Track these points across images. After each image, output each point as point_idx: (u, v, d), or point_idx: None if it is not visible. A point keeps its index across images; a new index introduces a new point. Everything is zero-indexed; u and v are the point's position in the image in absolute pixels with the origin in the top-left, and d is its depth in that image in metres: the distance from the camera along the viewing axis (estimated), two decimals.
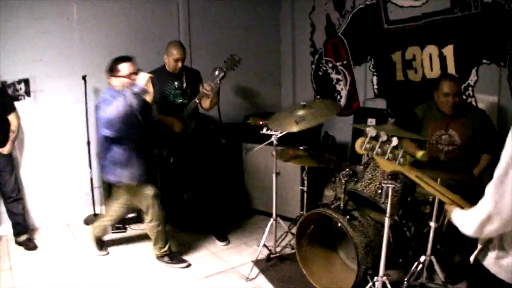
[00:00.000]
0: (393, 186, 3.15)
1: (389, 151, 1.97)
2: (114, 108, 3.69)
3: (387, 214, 3.17)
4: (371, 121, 5.37)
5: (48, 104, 5.14)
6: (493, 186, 1.66)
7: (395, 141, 1.97)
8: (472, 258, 1.92)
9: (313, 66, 6.52)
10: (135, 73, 3.95)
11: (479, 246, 1.89)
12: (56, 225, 5.35)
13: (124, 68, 3.96)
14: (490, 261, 1.83)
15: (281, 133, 4.19)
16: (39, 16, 4.92)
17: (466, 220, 1.80)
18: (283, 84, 7.12)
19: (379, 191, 3.54)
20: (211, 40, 6.20)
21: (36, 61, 4.97)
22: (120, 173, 4.04)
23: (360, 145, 2.04)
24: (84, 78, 5.05)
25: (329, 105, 4.19)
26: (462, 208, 1.89)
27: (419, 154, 3.81)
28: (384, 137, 1.97)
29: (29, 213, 5.21)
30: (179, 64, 4.63)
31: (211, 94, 4.64)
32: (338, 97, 6.18)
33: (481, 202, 1.72)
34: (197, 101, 4.66)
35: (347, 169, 3.87)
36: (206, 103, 4.72)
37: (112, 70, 3.96)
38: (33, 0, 4.88)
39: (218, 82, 4.71)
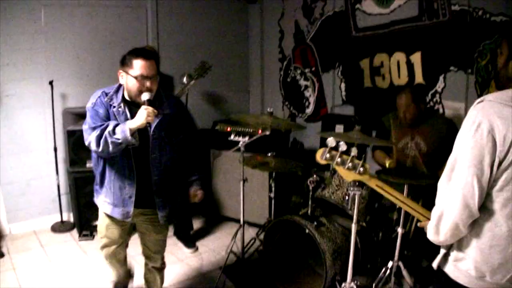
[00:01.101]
0: (359, 192, 3.16)
1: (348, 160, 1.99)
2: (86, 135, 2.83)
3: (354, 221, 3.18)
4: (339, 127, 5.38)
5: (14, 108, 5.02)
6: (443, 181, 1.75)
7: (354, 151, 1.99)
8: (435, 264, 1.95)
9: (282, 73, 6.51)
10: (149, 78, 2.80)
11: (442, 251, 1.92)
12: (23, 232, 5.23)
13: (138, 66, 2.77)
14: (450, 266, 1.86)
15: (249, 139, 4.16)
16: (6, 19, 4.80)
17: (429, 226, 1.83)
18: (251, 90, 7.10)
19: (346, 197, 3.56)
20: (180, 45, 6.14)
21: (3, 65, 4.85)
22: (96, 196, 3.24)
23: (321, 156, 2.05)
24: (51, 83, 4.93)
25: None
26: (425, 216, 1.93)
27: (388, 162, 3.85)
28: (343, 147, 1.99)
29: None
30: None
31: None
32: (306, 103, 6.18)
33: (436, 201, 1.77)
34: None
35: (314, 176, 3.88)
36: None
37: (123, 62, 2.87)
38: (0, 3, 4.76)
39: (187, 89, 4.69)
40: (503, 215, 1.67)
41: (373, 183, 2.03)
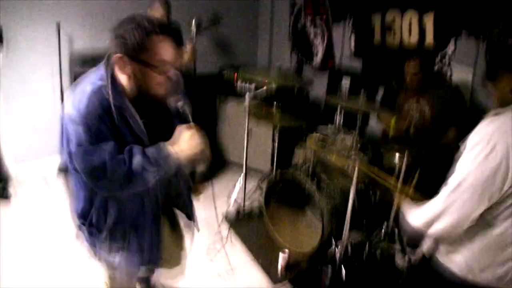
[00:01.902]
0: (360, 157, 3.23)
1: (339, 147, 2.05)
2: (81, 160, 1.87)
3: (353, 185, 3.25)
4: (346, 80, 5.39)
5: (21, 51, 5.00)
6: (447, 192, 1.77)
7: (348, 139, 2.05)
8: (425, 250, 2.03)
9: (292, 18, 6.42)
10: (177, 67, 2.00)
11: (429, 242, 2.00)
12: (31, 173, 5.36)
13: (165, 49, 1.86)
14: (442, 255, 1.94)
15: (255, 87, 4.20)
16: None
17: (417, 213, 1.90)
18: (260, 35, 7.01)
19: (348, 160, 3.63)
20: None
21: (8, 7, 4.76)
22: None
23: (313, 142, 2.11)
24: (58, 25, 4.88)
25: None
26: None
27: (393, 127, 3.92)
28: (335, 135, 2.05)
29: (4, 160, 5.14)
30: (164, 20, 4.55)
31: (189, 55, 4.72)
32: (315, 51, 6.14)
33: (434, 200, 1.83)
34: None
35: (318, 134, 3.94)
36: (184, 59, 4.68)
37: (131, 45, 1.82)
38: None
39: (196, 36, 4.69)
40: (498, 223, 1.74)
41: (363, 167, 2.10)
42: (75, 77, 4.88)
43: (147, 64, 1.83)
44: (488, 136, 1.67)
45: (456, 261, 1.88)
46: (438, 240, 1.96)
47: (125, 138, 1.89)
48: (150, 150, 1.90)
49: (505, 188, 1.65)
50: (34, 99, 5.19)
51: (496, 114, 1.71)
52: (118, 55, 1.83)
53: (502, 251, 1.75)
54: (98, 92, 1.82)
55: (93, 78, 1.90)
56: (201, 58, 5.51)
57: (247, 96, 4.22)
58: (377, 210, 3.99)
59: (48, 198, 4.76)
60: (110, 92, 1.83)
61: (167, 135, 2.00)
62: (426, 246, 2.05)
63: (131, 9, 4.96)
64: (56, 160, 5.30)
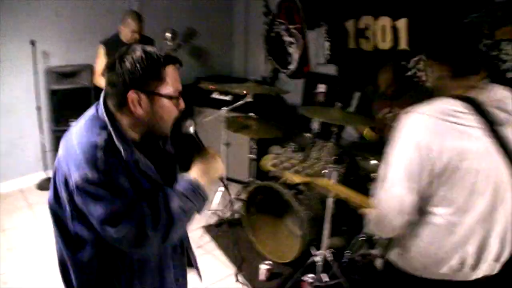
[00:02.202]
0: (337, 171, 3.25)
1: (295, 164, 2.08)
2: (125, 225, 1.55)
3: (331, 196, 3.28)
4: (322, 87, 5.43)
5: None
6: (376, 190, 1.84)
7: (301, 155, 2.08)
8: (383, 254, 2.07)
9: (266, 27, 6.45)
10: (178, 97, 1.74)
11: (383, 243, 2.04)
12: (10, 191, 5.28)
13: (173, 77, 1.70)
14: (395, 256, 1.98)
15: (231, 99, 4.21)
16: None
17: (368, 220, 1.94)
18: (235, 45, 7.04)
19: (324, 171, 3.65)
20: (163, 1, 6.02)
21: None
22: None
23: (267, 163, 2.13)
24: (32, 42, 4.87)
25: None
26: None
27: (368, 134, 3.95)
28: (288, 154, 2.08)
29: None
30: (136, 35, 4.56)
31: None
32: (290, 59, 6.17)
33: (372, 204, 1.89)
34: None
35: (294, 145, 3.97)
36: None
37: (141, 77, 1.62)
38: None
39: (171, 53, 4.68)
40: (440, 219, 1.77)
41: (320, 182, 2.13)
42: (51, 93, 4.84)
43: (165, 96, 1.66)
44: (407, 130, 1.75)
45: (409, 261, 1.91)
46: (390, 243, 2.00)
47: (143, 187, 1.66)
48: (182, 188, 1.72)
49: (426, 175, 1.70)
50: (11, 117, 5.14)
51: (411, 111, 1.78)
52: (133, 91, 1.61)
53: (448, 240, 1.79)
54: (107, 145, 1.58)
55: (91, 130, 1.63)
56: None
57: (223, 109, 4.24)
58: (356, 216, 4.01)
59: (27, 216, 4.70)
60: (119, 141, 1.61)
61: (174, 171, 1.92)
62: (377, 250, 2.10)
63: (105, 25, 5.02)
64: (34, 178, 5.30)
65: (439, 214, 1.77)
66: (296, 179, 2.13)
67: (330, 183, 2.12)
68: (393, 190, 1.75)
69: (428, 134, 1.69)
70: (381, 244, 3.65)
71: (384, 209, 1.79)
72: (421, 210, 1.80)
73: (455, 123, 1.69)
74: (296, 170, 2.09)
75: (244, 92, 4.20)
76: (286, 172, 2.12)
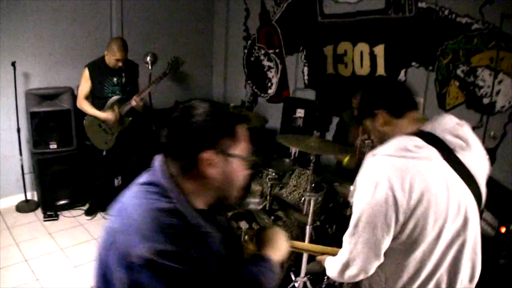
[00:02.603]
0: (315, 198, 3.30)
1: (245, 234, 2.07)
2: None
3: (309, 223, 3.34)
4: (300, 112, 5.49)
5: None
6: (348, 236, 1.83)
7: (243, 224, 2.08)
8: None
9: (246, 51, 6.53)
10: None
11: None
12: None
13: (245, 136, 1.51)
14: None
15: None
16: None
17: (330, 265, 1.96)
18: (215, 68, 7.09)
19: (303, 198, 3.69)
20: (144, 23, 6.05)
21: None
22: None
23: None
24: (13, 64, 4.81)
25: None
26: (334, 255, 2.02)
27: (345, 159, 3.99)
28: (245, 225, 2.07)
29: None
30: (119, 63, 4.60)
31: (140, 106, 4.73)
32: (269, 84, 6.24)
33: (340, 250, 1.88)
34: (130, 105, 4.68)
35: (273, 173, 4.01)
36: (136, 106, 4.73)
37: (211, 136, 1.40)
38: None
39: (154, 85, 4.75)
40: (417, 253, 1.78)
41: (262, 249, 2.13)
42: (31, 116, 4.83)
43: (240, 157, 1.45)
44: (370, 174, 1.74)
45: None
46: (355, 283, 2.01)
47: (212, 267, 1.40)
48: (259, 268, 1.54)
49: (401, 217, 1.69)
50: None
51: (372, 155, 1.79)
52: (206, 151, 1.37)
53: (422, 270, 1.80)
54: (172, 211, 1.34)
55: (150, 196, 1.39)
56: (157, 92, 5.54)
57: None
58: (334, 241, 4.04)
59: (6, 238, 4.64)
60: (184, 209, 1.37)
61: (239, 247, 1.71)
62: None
63: (86, 48, 5.03)
64: (13, 200, 5.25)
65: (413, 248, 1.76)
66: (252, 248, 2.04)
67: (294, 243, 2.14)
68: (367, 233, 1.74)
69: (395, 174, 1.69)
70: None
71: (356, 252, 1.78)
72: (394, 250, 1.79)
73: (415, 158, 1.71)
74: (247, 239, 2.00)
75: None
76: (248, 244, 2.05)
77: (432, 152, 1.74)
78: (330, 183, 4.01)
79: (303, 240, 3.48)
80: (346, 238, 1.83)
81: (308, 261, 3.56)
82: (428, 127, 1.82)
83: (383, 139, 1.89)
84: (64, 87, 5.10)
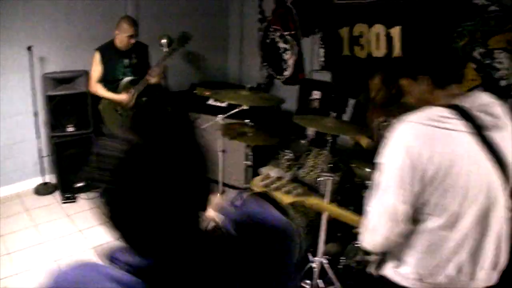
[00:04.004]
0: (332, 178, 3.29)
1: (283, 185, 2.09)
2: None
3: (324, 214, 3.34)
4: (316, 93, 5.47)
5: None
6: (370, 202, 1.86)
7: (288, 175, 2.10)
8: (372, 270, 2.08)
9: (261, 33, 6.50)
10: None
11: (375, 257, 2.06)
12: (7, 195, 5.25)
13: None
14: (390, 271, 1.99)
15: (227, 106, 4.24)
16: None
17: (361, 235, 1.96)
18: (230, 50, 7.07)
19: (320, 179, 3.68)
20: (158, 3, 6.02)
21: None
22: None
23: (257, 184, 2.14)
24: (29, 48, 4.84)
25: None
26: None
27: (364, 142, 3.99)
28: (278, 174, 2.09)
29: None
30: (132, 40, 4.57)
31: (156, 79, 4.69)
32: (285, 66, 6.22)
33: (365, 215, 1.90)
34: (146, 83, 4.64)
35: (290, 154, 4.00)
36: (152, 81, 4.68)
37: None
38: None
39: (166, 59, 4.71)
40: (434, 226, 1.79)
41: (310, 201, 2.15)
42: (48, 99, 4.86)
43: None
44: (396, 138, 1.77)
45: (405, 274, 1.92)
46: (384, 253, 2.01)
47: None
48: None
49: (417, 183, 1.71)
50: (8, 123, 5.14)
51: (400, 121, 1.80)
52: None
53: (443, 247, 1.80)
54: None
55: None
56: (172, 74, 5.54)
57: (219, 117, 4.27)
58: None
59: (25, 221, 4.71)
60: None
61: None
62: (371, 265, 2.11)
63: (102, 31, 5.05)
64: (31, 183, 5.31)
65: (433, 221, 1.78)
66: (287, 199, 2.14)
67: (323, 203, 2.14)
68: (385, 198, 1.77)
69: (418, 141, 1.70)
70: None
71: (376, 218, 1.81)
72: (414, 219, 1.81)
73: (443, 128, 1.72)
74: (287, 190, 2.09)
75: (243, 106, 4.19)
76: (277, 193, 2.12)
77: (461, 126, 1.73)
78: (347, 164, 4.01)
79: (319, 221, 3.49)
80: (370, 201, 1.86)
81: (326, 242, 3.57)
82: (462, 102, 1.81)
83: (420, 104, 1.90)
84: (80, 70, 5.11)
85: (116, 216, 0.95)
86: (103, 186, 0.96)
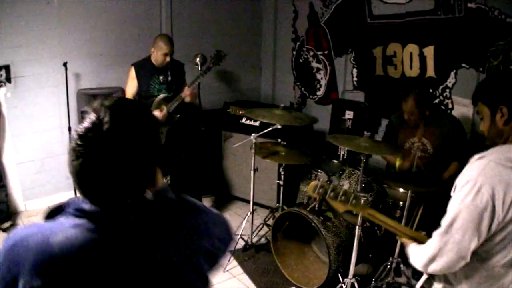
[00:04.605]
0: (365, 198, 3.28)
1: (341, 193, 2.09)
2: None
3: (358, 223, 3.34)
4: (349, 113, 5.46)
5: (29, 89, 5.06)
6: (439, 234, 1.82)
7: (346, 184, 2.09)
8: (418, 286, 2.06)
9: (294, 53, 6.53)
10: None
11: (425, 276, 2.04)
12: (39, 209, 5.36)
13: None
14: None
15: (259, 125, 4.27)
16: (18, 1, 4.76)
17: (416, 255, 1.95)
18: (263, 70, 7.11)
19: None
20: (193, 24, 6.12)
21: (16, 47, 4.84)
22: None
23: (313, 190, 2.14)
24: (65, 64, 4.94)
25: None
26: (419, 242, 2.00)
27: (398, 163, 3.97)
28: (335, 182, 2.09)
29: (13, 198, 5.25)
30: (167, 58, 4.63)
31: (190, 97, 4.73)
32: (318, 85, 6.24)
33: (429, 242, 1.88)
34: (179, 100, 4.70)
35: (324, 176, 4.02)
36: (186, 99, 4.73)
37: None
38: None
39: (201, 77, 4.77)
40: (490, 257, 1.78)
41: (365, 213, 2.15)
42: (82, 115, 4.95)
43: None
44: (474, 178, 1.72)
45: None
46: (435, 277, 2.00)
47: None
48: None
49: (493, 228, 1.70)
50: (42, 137, 5.27)
51: (480, 157, 1.76)
52: None
53: (500, 282, 1.79)
54: None
55: None
56: (205, 93, 5.62)
57: (252, 136, 4.30)
58: (383, 243, 4.02)
59: None
60: None
61: None
62: (421, 282, 2.09)
63: (136, 49, 5.16)
64: (63, 197, 5.40)
65: (496, 259, 1.77)
66: (342, 207, 2.15)
67: (378, 213, 2.13)
68: (458, 233, 1.74)
69: (497, 183, 1.67)
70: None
71: (443, 247, 1.79)
72: (477, 253, 1.79)
73: None
74: (341, 200, 2.10)
75: (276, 125, 4.21)
76: (332, 201, 2.13)
77: None
78: (380, 185, 3.99)
79: (352, 243, 3.48)
80: (437, 235, 1.83)
81: (357, 263, 3.56)
82: None
83: (494, 136, 1.86)
84: (115, 87, 5.23)
85: (85, 173, 1.20)
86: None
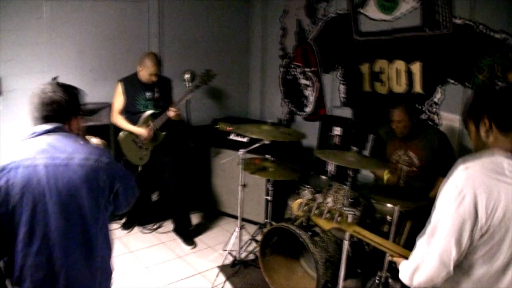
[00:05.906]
0: (353, 213, 3.28)
1: (325, 211, 2.09)
2: None
3: (346, 238, 3.35)
4: (337, 129, 5.48)
5: (19, 103, 4.97)
6: (422, 242, 1.82)
7: (330, 202, 2.09)
8: None
9: (282, 70, 6.57)
10: None
11: None
12: None
13: None
14: None
15: (248, 141, 4.27)
16: (8, 15, 4.78)
17: (403, 268, 1.94)
18: (251, 86, 7.15)
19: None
20: (182, 40, 6.15)
21: (5, 61, 4.84)
22: None
23: (298, 208, 2.14)
24: (54, 79, 4.86)
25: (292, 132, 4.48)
26: (406, 258, 2.00)
27: (385, 176, 3.98)
28: (320, 199, 2.09)
29: None
30: (154, 78, 4.63)
31: (176, 115, 4.73)
32: (306, 102, 6.26)
33: (413, 252, 1.88)
34: (166, 117, 4.70)
35: (310, 190, 4.01)
36: (173, 116, 4.73)
37: None
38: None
39: (188, 95, 4.78)
40: (475, 271, 1.77)
41: (351, 229, 2.15)
42: None
43: None
44: (459, 187, 1.71)
45: None
46: None
47: None
48: None
49: (476, 237, 1.69)
50: None
51: (466, 168, 1.76)
52: None
53: None
54: None
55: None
56: (194, 109, 5.62)
57: (240, 151, 4.30)
58: (372, 258, 4.02)
59: None
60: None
61: None
62: None
63: (126, 65, 5.16)
64: None
65: (483, 269, 1.76)
66: (327, 225, 2.14)
67: (364, 231, 2.13)
68: (440, 241, 1.74)
69: (480, 192, 1.67)
70: None
71: (426, 258, 1.78)
72: (461, 266, 1.79)
73: (506, 183, 1.67)
74: (326, 217, 2.10)
75: (264, 141, 4.22)
76: (317, 219, 2.13)
77: None
78: (368, 199, 4.00)
79: (340, 258, 3.47)
80: (420, 243, 1.84)
81: (345, 278, 3.54)
82: None
83: (479, 147, 1.87)
84: (104, 102, 5.21)
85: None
86: None
